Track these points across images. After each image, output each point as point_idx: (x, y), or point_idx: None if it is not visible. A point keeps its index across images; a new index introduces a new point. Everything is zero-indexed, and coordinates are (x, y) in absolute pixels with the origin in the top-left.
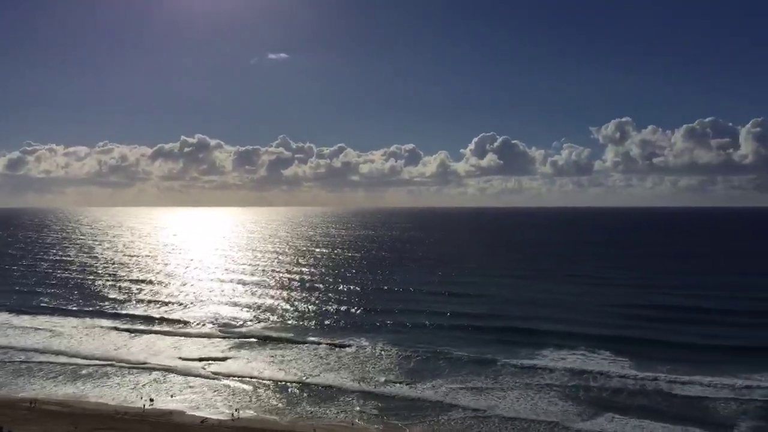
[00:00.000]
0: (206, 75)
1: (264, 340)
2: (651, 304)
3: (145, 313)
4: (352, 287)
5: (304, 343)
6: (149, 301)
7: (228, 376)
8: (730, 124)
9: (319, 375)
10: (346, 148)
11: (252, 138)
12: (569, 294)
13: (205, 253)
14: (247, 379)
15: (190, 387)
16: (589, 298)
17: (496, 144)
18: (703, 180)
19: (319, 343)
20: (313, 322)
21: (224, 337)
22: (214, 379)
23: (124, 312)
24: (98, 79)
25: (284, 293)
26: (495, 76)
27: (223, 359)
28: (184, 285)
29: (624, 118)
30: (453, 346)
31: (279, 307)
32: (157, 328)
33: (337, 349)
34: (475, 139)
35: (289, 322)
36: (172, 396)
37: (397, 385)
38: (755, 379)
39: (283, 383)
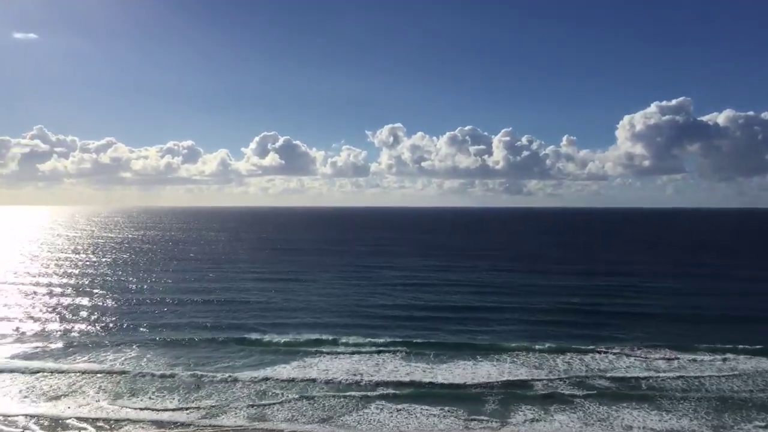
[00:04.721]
0: None
1: None
2: (420, 304)
3: None
4: (109, 299)
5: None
6: None
7: None
8: (486, 133)
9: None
10: (115, 142)
11: None
12: (346, 296)
13: None
14: None
15: None
16: (367, 299)
17: (278, 144)
18: (464, 183)
19: (72, 371)
20: (56, 343)
21: None
22: None
23: None
24: None
25: (19, 310)
26: (275, 76)
27: None
28: None
29: (396, 123)
30: (221, 362)
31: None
32: None
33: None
34: (257, 138)
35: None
36: None
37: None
38: (505, 365)
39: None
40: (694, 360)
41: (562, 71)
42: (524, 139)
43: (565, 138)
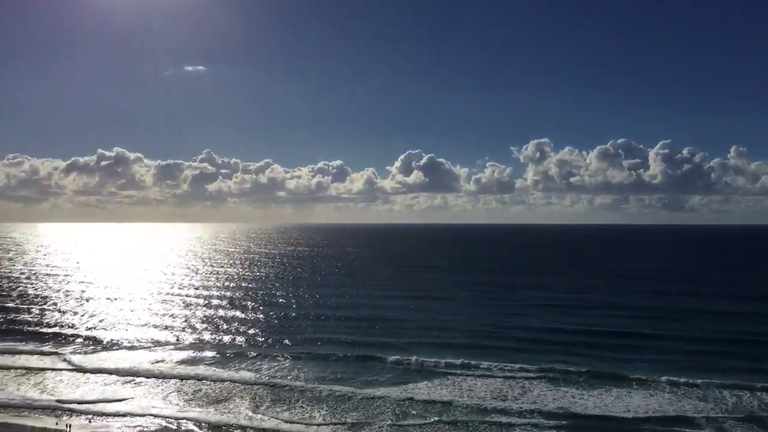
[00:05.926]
0: (121, 85)
1: (160, 377)
2: (567, 328)
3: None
4: (259, 312)
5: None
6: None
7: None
8: (641, 146)
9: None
10: (272, 163)
11: (174, 152)
12: (488, 316)
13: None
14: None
15: None
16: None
17: (422, 162)
18: (616, 198)
19: (253, 382)
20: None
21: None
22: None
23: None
24: (4, 87)
25: (180, 320)
26: (419, 95)
27: (115, 400)
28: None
29: (542, 139)
30: (363, 377)
31: (171, 337)
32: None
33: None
34: (402, 157)
35: (188, 351)
36: None
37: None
38: (663, 397)
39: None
40: None
41: (727, 75)
42: (685, 152)
43: (733, 149)
